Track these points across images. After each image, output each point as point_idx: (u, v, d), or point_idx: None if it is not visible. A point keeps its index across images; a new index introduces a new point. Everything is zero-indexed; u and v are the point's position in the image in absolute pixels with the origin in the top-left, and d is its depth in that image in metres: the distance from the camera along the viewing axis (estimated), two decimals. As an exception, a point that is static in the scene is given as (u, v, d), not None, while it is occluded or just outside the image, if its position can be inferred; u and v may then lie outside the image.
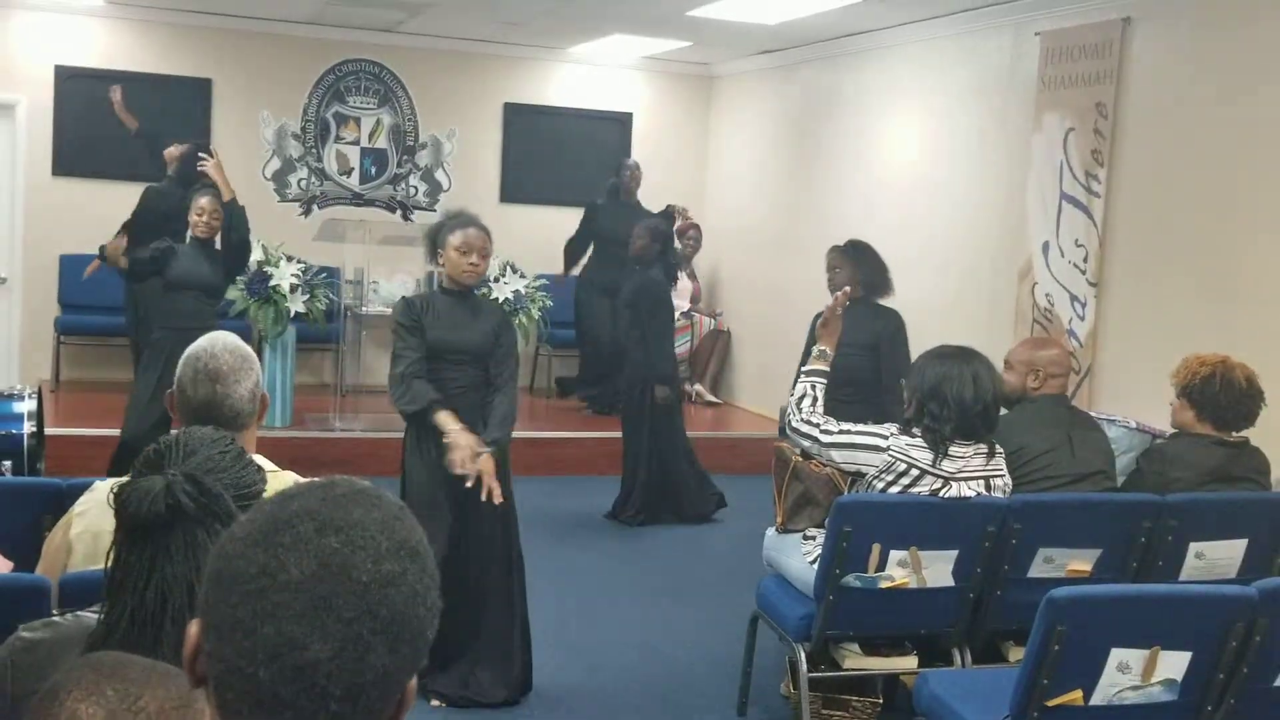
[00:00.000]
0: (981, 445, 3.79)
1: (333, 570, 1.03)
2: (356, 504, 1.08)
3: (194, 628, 1.09)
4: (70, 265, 9.01)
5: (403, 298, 4.67)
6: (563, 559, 6.38)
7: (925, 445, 3.76)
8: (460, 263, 4.36)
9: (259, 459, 2.68)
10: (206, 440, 1.92)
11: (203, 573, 1.10)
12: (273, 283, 7.74)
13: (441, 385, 4.36)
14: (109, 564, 1.85)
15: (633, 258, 7.23)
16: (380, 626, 1.03)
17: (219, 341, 2.75)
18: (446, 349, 4.38)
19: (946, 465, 3.75)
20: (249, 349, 2.79)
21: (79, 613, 1.99)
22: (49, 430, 6.25)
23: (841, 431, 3.89)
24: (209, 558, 1.10)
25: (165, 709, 1.25)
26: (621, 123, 10.44)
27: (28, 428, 5.16)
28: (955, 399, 3.70)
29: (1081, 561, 3.90)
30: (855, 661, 4.02)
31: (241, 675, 1.02)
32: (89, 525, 2.64)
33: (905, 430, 3.84)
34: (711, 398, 9.97)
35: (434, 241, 4.48)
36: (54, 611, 2.21)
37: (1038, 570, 3.88)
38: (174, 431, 1.95)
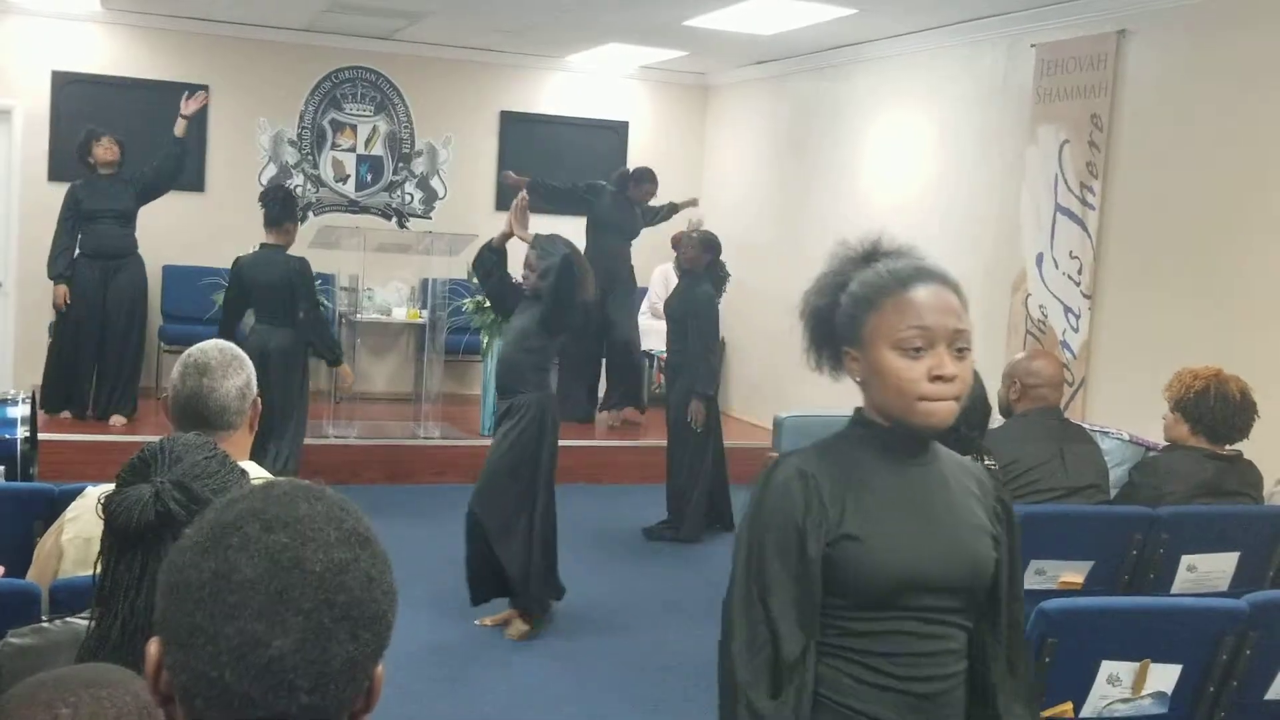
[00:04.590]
0: (967, 458, 3.78)
1: (284, 565, 1.04)
2: (299, 500, 1.09)
3: (153, 647, 1.10)
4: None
5: (781, 464, 1.98)
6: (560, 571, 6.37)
7: None
8: (917, 379, 1.89)
9: (252, 465, 2.70)
10: (192, 446, 1.91)
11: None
12: (267, 289, 7.73)
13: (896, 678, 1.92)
14: (98, 574, 1.85)
15: (682, 268, 7.09)
16: (340, 614, 1.04)
17: (212, 342, 2.83)
18: (911, 586, 1.90)
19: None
20: (242, 352, 2.82)
21: (68, 619, 1.99)
22: (42, 436, 6.24)
23: None
24: (159, 573, 1.10)
25: (123, 714, 1.25)
26: (617, 132, 10.45)
27: (21, 433, 5.16)
28: None
29: (1073, 574, 3.89)
30: (847, 672, 4.01)
31: (208, 681, 1.03)
32: (80, 531, 2.65)
33: None
34: (705, 407, 9.94)
35: (827, 314, 2.06)
36: (44, 617, 2.21)
37: (1029, 582, 3.86)
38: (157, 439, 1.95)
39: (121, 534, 1.83)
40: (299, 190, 9.76)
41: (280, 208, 6.67)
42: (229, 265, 8.12)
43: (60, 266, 7.73)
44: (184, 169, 7.99)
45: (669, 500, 7.08)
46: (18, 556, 3.00)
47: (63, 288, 7.74)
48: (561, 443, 5.19)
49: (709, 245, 6.97)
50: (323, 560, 1.05)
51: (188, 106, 7.77)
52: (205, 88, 9.43)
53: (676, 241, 7.42)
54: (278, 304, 6.42)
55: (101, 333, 7.81)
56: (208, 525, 1.08)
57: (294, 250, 7.87)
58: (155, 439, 1.94)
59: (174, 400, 2.72)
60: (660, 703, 4.73)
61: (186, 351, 2.79)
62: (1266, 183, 5.43)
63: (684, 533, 6.99)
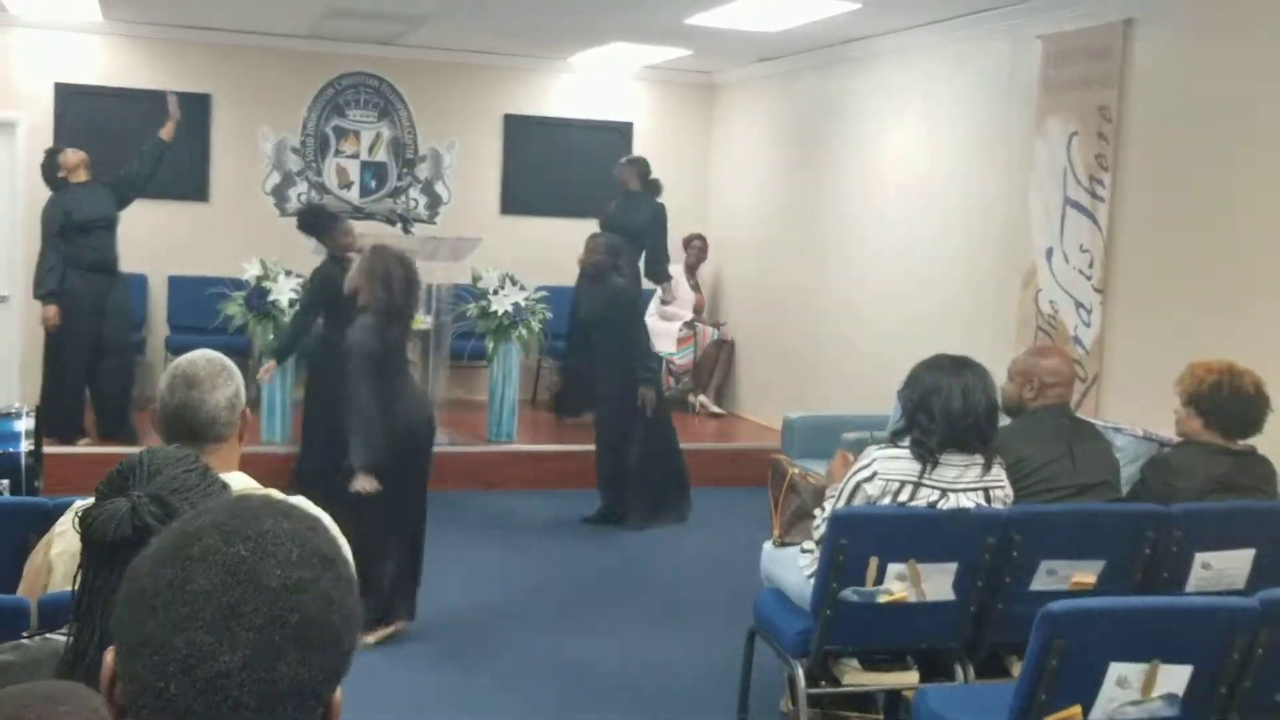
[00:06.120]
0: (978, 456, 3.73)
1: (240, 578, 1.02)
2: (266, 514, 1.07)
3: (109, 655, 1.08)
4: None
5: None
6: (557, 572, 6.34)
7: (912, 457, 3.70)
8: None
9: (241, 476, 2.66)
10: (171, 459, 1.89)
11: None
12: (271, 298, 7.71)
13: None
14: (75, 588, 1.83)
15: (586, 271, 7.34)
16: (292, 634, 1.01)
17: (200, 352, 2.79)
18: None
19: (940, 475, 3.69)
20: (230, 363, 2.79)
21: (47, 635, 1.96)
22: (47, 449, 6.22)
23: (834, 497, 3.82)
24: (122, 581, 1.08)
25: None
26: (622, 132, 10.40)
27: (25, 446, 5.15)
28: (942, 412, 3.65)
29: (1085, 574, 3.83)
30: (855, 677, 3.96)
31: (154, 692, 1.01)
32: (68, 545, 2.62)
33: (892, 443, 3.80)
34: (715, 409, 9.91)
35: None
36: (23, 634, 2.18)
37: (1040, 583, 3.82)
38: (137, 451, 1.92)
39: (98, 548, 1.81)
40: (303, 198, 9.75)
41: (314, 226, 6.98)
42: (233, 275, 8.17)
43: (52, 283, 7.41)
44: (161, 170, 7.79)
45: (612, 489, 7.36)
46: (12, 571, 2.97)
47: (54, 307, 7.41)
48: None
49: (613, 250, 7.31)
50: (279, 577, 1.02)
51: (176, 109, 7.73)
52: (207, 96, 9.45)
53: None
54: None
55: (97, 352, 7.56)
56: (171, 534, 1.07)
57: (297, 258, 7.85)
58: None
59: (162, 412, 2.69)
60: (666, 709, 4.69)
61: (174, 362, 2.76)
62: (1279, 173, 5.36)
63: (629, 521, 7.19)
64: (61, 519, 2.71)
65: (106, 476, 1.90)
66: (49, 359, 7.66)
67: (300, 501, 2.65)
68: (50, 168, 7.59)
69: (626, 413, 7.12)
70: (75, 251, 7.43)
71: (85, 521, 1.83)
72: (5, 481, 5.08)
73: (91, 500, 1.89)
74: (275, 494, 2.55)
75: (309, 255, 8.34)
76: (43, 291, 7.46)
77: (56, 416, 7.38)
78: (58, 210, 7.45)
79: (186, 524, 1.07)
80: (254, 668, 1.00)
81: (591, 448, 7.57)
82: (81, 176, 7.54)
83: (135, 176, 7.64)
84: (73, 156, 7.53)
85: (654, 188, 9.11)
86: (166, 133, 7.67)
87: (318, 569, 1.05)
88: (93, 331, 7.52)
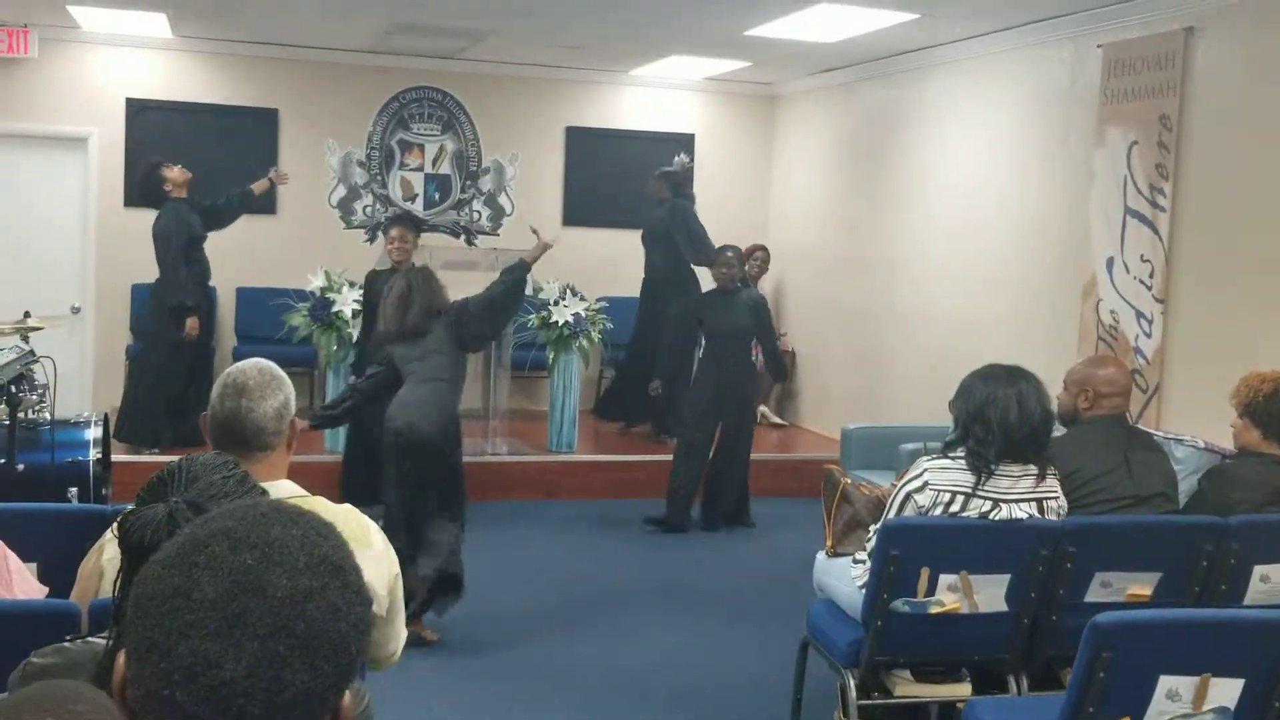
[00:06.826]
0: (1032, 466, 3.69)
1: (245, 587, 1.02)
2: (275, 522, 1.08)
3: (121, 659, 1.09)
4: (141, 294, 9.15)
5: None
6: (613, 580, 6.35)
7: (967, 468, 3.66)
8: None
9: (288, 484, 2.70)
10: (209, 466, 1.92)
11: None
12: (335, 308, 7.81)
13: None
14: (115, 592, 1.86)
15: (721, 285, 7.37)
16: (297, 642, 1.02)
17: (252, 361, 2.82)
18: None
19: (994, 486, 3.65)
20: (281, 372, 2.82)
21: (89, 639, 2.00)
22: (116, 457, 6.33)
23: (887, 508, 3.81)
24: (132, 585, 1.09)
25: None
26: (683, 144, 10.41)
27: (93, 455, 5.26)
28: (999, 422, 3.61)
29: (1141, 586, 3.77)
30: (906, 689, 3.92)
31: (160, 698, 1.02)
32: (119, 551, 2.67)
33: (944, 453, 3.76)
34: (776, 419, 9.89)
35: None
36: (66, 638, 2.22)
37: (1095, 595, 3.76)
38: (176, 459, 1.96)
39: (136, 553, 1.83)
40: (368, 211, 9.87)
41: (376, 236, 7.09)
42: (298, 286, 8.29)
43: (196, 295, 7.52)
44: (237, 217, 8.13)
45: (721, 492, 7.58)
46: (70, 577, 3.03)
47: (194, 319, 7.49)
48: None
49: (742, 262, 7.62)
50: (286, 586, 1.03)
51: (280, 178, 8.11)
52: (274, 111, 9.61)
53: (748, 254, 7.62)
54: None
55: (195, 363, 7.80)
56: (181, 541, 1.08)
57: (362, 270, 7.92)
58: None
59: (212, 419, 2.73)
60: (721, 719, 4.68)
61: (226, 371, 2.80)
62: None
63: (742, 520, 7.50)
64: (112, 525, 2.76)
65: (146, 483, 1.93)
66: (146, 369, 7.74)
67: (345, 510, 2.69)
68: (154, 181, 7.61)
69: (748, 419, 7.43)
70: (195, 267, 7.63)
71: (124, 527, 1.85)
72: (74, 489, 5.19)
73: (131, 507, 1.92)
74: (322, 501, 2.60)
75: (370, 265, 8.45)
76: (190, 303, 7.49)
77: (148, 427, 7.56)
78: (183, 224, 7.50)
79: (196, 530, 1.08)
80: (258, 676, 1.00)
81: (649, 458, 7.57)
82: (184, 193, 7.63)
83: (220, 214, 7.87)
84: (180, 174, 7.58)
85: (685, 196, 9.13)
86: (259, 187, 8.00)
87: (325, 577, 1.05)
88: (197, 343, 7.72)
